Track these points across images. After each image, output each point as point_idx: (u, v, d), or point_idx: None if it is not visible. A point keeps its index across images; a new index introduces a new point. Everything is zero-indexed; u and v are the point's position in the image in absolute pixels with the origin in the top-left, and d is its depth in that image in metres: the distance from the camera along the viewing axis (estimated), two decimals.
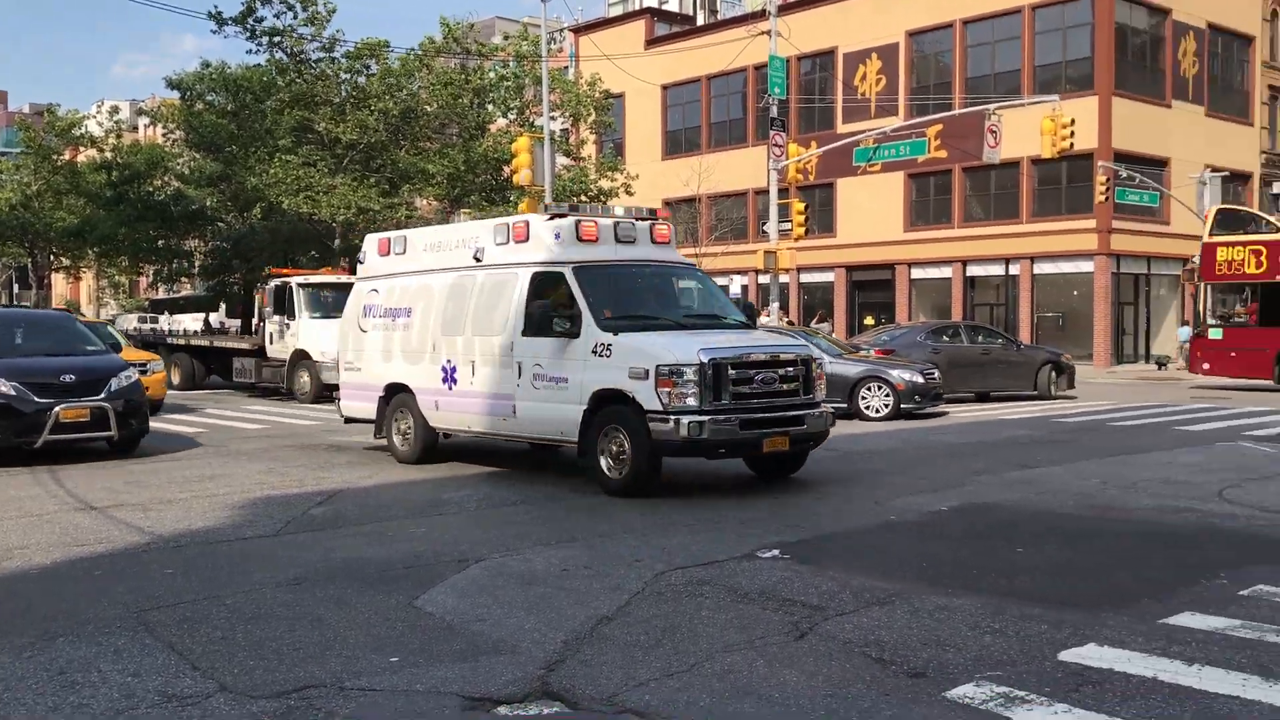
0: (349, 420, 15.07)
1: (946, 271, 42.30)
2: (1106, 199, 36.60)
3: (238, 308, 45.79)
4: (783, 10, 34.68)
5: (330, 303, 24.68)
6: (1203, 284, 28.14)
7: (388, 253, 14.27)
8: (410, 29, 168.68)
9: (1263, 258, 26.44)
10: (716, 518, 9.68)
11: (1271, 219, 28.37)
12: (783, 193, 32.53)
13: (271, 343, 24.82)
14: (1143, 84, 39.97)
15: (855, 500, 10.66)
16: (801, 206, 31.85)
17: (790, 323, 34.60)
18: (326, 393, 23.10)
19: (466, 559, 8.05)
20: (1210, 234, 27.90)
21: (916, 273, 43.23)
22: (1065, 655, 5.67)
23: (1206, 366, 27.39)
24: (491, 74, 36.58)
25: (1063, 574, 7.63)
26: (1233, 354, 26.84)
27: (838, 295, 45.27)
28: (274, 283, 25.42)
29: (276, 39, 34.54)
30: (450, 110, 35.51)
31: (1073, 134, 27.36)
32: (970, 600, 6.77)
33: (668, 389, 10.36)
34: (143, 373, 17.84)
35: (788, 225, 31.53)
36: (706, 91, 49.35)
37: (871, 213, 43.17)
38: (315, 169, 33.12)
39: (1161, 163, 40.17)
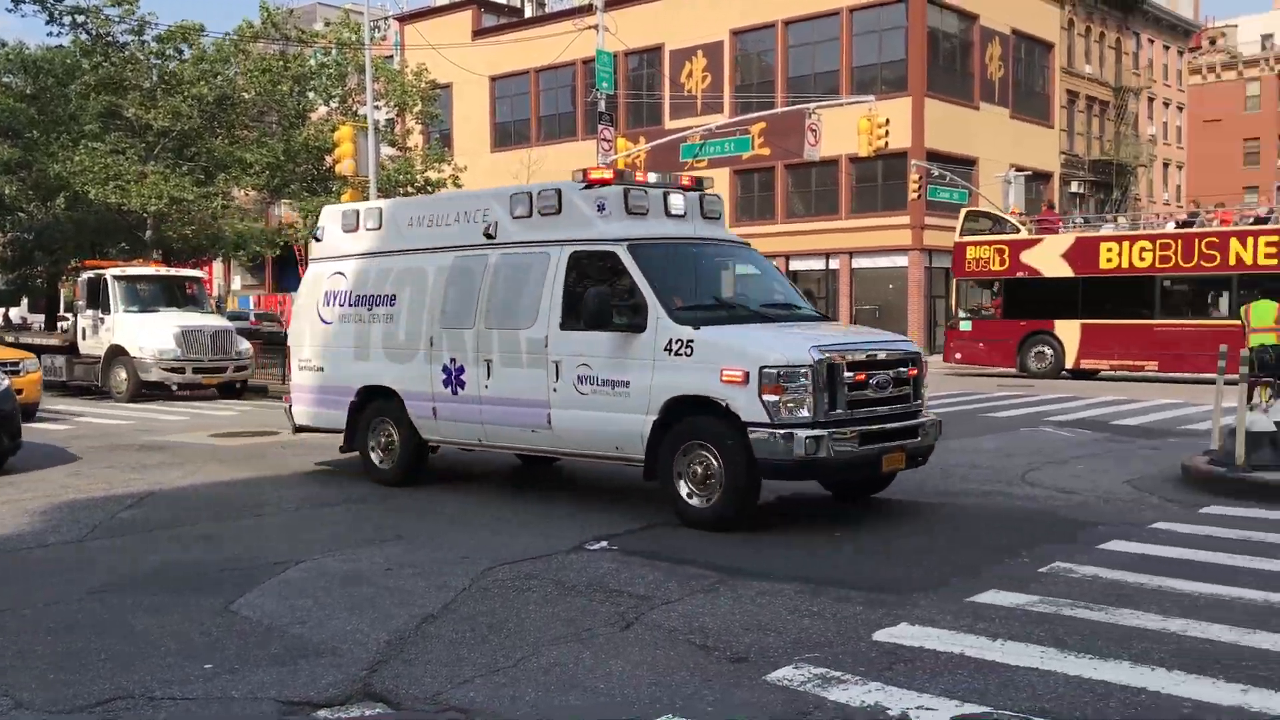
0: (301, 430, 12.59)
1: None
2: (919, 196, 38.14)
3: (41, 302, 43.29)
4: (610, 5, 34.76)
5: (148, 296, 23.59)
6: (955, 280, 30.36)
7: (356, 228, 11.90)
8: (227, 15, 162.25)
9: (1005, 256, 28.58)
10: (546, 512, 9.68)
11: (1013, 220, 30.40)
12: None
13: (84, 339, 23.53)
14: (953, 86, 41.78)
15: None
16: None
17: None
18: (145, 391, 22.10)
19: (286, 560, 7.82)
20: (961, 234, 29.96)
21: None
22: (879, 635, 5.90)
23: (958, 356, 29.79)
24: (313, 61, 35.54)
25: (878, 556, 7.93)
26: (981, 344, 29.21)
27: None
28: (87, 275, 24.07)
29: (80, 19, 32.73)
30: (269, 98, 34.32)
31: (888, 133, 28.37)
32: (791, 585, 6.97)
33: (775, 395, 8.39)
34: (14, 373, 15.89)
35: None
36: (535, 84, 49.22)
37: None
38: (124, 157, 31.52)
39: (970, 162, 42.09)
